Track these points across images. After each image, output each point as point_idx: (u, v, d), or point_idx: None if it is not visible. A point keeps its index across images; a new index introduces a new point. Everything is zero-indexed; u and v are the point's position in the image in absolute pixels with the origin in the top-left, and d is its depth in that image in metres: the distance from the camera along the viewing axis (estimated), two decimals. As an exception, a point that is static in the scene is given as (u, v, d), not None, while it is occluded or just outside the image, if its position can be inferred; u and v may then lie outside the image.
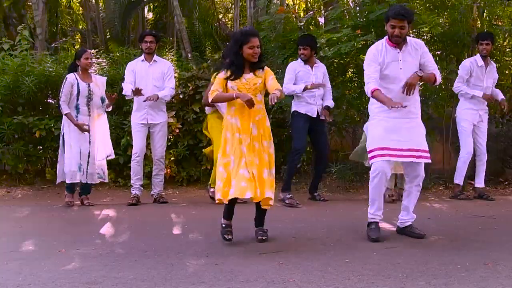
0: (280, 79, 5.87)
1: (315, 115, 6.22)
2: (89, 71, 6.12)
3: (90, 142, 6.00)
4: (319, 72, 6.31)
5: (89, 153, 5.99)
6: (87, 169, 5.98)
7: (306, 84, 6.08)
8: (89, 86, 5.99)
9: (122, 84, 6.22)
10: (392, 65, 4.30)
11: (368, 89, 4.28)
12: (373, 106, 4.44)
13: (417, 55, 4.33)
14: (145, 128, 6.20)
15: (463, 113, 6.40)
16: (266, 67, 4.33)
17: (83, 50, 6.32)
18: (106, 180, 6.37)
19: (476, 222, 5.27)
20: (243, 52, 4.19)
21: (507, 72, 7.67)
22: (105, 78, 6.46)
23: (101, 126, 6.17)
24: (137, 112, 6.21)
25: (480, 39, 6.32)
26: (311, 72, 6.26)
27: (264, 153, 4.23)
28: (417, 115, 4.43)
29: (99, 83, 6.12)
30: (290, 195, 6.08)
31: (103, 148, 6.17)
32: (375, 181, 4.35)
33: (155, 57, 6.29)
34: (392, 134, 4.30)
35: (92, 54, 7.88)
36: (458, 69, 6.52)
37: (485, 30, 7.13)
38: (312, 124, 6.25)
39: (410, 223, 4.57)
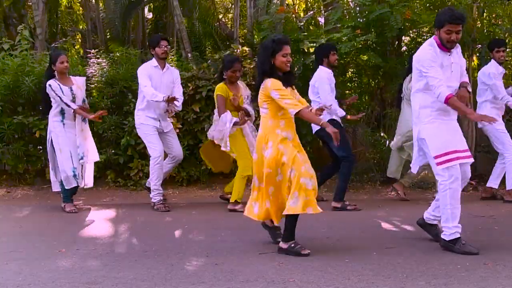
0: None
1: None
2: (66, 74, 5.90)
3: (79, 145, 5.84)
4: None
5: (79, 155, 5.87)
6: (81, 172, 5.89)
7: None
8: (71, 90, 5.83)
9: (144, 87, 5.86)
10: (444, 69, 4.13)
11: (442, 94, 4.01)
12: (428, 110, 4.18)
13: (460, 58, 4.25)
14: (157, 133, 6.04)
15: (494, 116, 6.23)
16: None
17: (58, 53, 6.04)
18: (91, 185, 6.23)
19: (476, 222, 5.27)
20: (276, 61, 4.07)
21: (507, 72, 7.65)
22: (84, 78, 6.22)
23: (87, 130, 6.02)
24: (149, 117, 5.98)
25: (496, 46, 6.21)
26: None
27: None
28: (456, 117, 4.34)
29: (80, 85, 5.94)
30: (347, 202, 6.03)
31: (91, 152, 6.04)
32: (453, 188, 4.03)
33: (167, 63, 6.12)
34: (456, 135, 4.21)
35: (92, 54, 7.93)
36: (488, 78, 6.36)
37: (485, 30, 7.12)
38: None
39: (437, 223, 4.42)
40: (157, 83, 5.91)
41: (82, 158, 5.87)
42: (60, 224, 5.31)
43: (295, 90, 4.26)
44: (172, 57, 8.36)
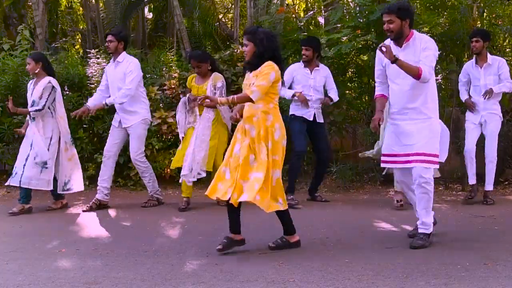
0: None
1: (311, 119, 6.19)
2: (39, 75, 5.87)
3: (31, 146, 5.78)
4: (319, 76, 6.25)
5: (27, 156, 5.76)
6: (22, 171, 5.76)
7: (296, 91, 6.05)
8: (33, 89, 5.87)
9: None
10: (391, 64, 4.16)
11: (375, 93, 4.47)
12: (389, 107, 4.48)
13: (418, 52, 4.14)
14: (118, 129, 6.04)
15: (467, 114, 6.40)
16: (264, 65, 4.10)
17: None
18: (72, 190, 6.02)
19: (476, 222, 5.27)
20: None
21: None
22: (47, 79, 5.89)
23: (34, 130, 5.82)
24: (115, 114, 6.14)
25: (470, 37, 6.25)
26: (310, 75, 6.21)
27: (261, 155, 4.05)
28: (427, 115, 4.19)
29: (38, 86, 5.87)
30: (291, 196, 6.02)
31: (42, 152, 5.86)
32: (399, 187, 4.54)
33: (121, 56, 5.97)
34: (398, 139, 4.23)
35: (92, 54, 7.93)
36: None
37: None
38: (311, 127, 6.23)
39: (421, 230, 4.32)
40: (110, 78, 6.05)
41: (34, 158, 5.78)
42: (60, 224, 5.31)
43: (260, 74, 4.11)
44: (172, 57, 8.35)
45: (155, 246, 4.32)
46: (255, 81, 4.08)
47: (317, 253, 4.07)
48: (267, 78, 4.05)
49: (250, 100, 4.06)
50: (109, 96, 5.99)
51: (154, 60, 8.39)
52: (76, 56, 9.28)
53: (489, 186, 6.26)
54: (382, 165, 4.37)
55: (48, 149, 5.81)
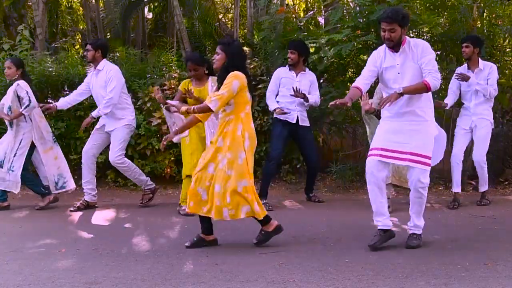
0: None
1: (294, 121, 6.15)
2: (13, 80, 5.93)
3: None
4: (305, 79, 6.21)
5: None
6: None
7: (276, 108, 6.02)
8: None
9: None
10: (389, 70, 4.18)
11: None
12: (382, 109, 4.35)
13: (415, 57, 4.12)
14: (99, 132, 6.06)
15: (458, 120, 6.34)
16: (229, 75, 4.10)
17: None
18: (67, 188, 6.12)
19: (476, 222, 5.27)
20: None
21: (507, 72, 7.64)
22: (15, 84, 5.90)
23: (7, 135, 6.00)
24: None
25: (461, 42, 6.18)
26: (295, 78, 6.17)
27: (225, 167, 4.08)
28: (424, 118, 4.16)
29: (9, 90, 5.91)
30: (264, 201, 5.75)
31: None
32: (367, 180, 4.24)
33: (101, 64, 5.96)
34: (393, 135, 4.17)
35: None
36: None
37: (485, 30, 7.11)
38: (294, 130, 6.19)
39: (412, 231, 4.34)
40: (92, 86, 6.07)
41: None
42: (60, 224, 5.32)
43: (221, 87, 4.16)
44: (172, 57, 8.35)
45: (155, 246, 4.32)
46: (221, 89, 4.10)
47: (317, 253, 4.07)
48: (227, 88, 4.06)
49: (210, 110, 4.10)
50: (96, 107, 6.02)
51: (154, 60, 8.38)
52: (76, 56, 9.28)
53: (482, 187, 6.18)
54: (369, 158, 4.20)
55: (16, 153, 5.89)
